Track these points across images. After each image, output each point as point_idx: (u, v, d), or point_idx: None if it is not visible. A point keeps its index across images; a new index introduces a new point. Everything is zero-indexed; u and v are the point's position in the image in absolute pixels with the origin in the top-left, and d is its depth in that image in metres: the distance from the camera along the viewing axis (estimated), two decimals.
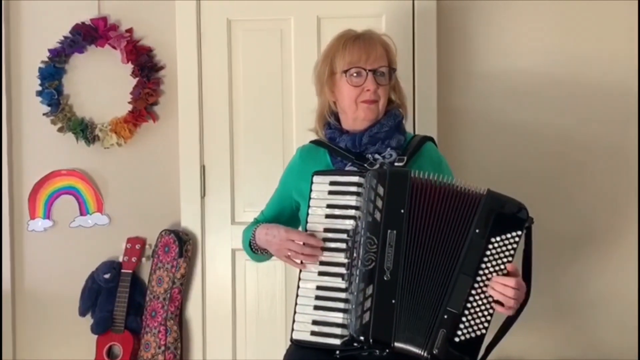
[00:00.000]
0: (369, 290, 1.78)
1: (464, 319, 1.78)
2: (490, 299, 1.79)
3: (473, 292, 1.79)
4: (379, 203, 1.82)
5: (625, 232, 2.83)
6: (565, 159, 2.83)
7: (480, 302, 1.79)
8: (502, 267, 1.80)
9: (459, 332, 1.78)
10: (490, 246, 1.79)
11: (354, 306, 1.80)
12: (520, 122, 2.82)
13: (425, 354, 1.78)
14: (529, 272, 1.89)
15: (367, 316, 1.77)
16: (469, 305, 1.79)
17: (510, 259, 1.80)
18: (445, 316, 1.78)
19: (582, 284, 2.84)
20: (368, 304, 1.77)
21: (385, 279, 1.79)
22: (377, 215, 1.81)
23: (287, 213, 2.19)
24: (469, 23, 2.84)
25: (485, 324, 1.79)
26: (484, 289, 1.79)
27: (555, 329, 2.84)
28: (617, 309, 2.82)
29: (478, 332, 1.79)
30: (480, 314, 1.79)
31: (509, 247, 1.79)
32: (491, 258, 1.79)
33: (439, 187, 1.84)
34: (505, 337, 1.95)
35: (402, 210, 1.81)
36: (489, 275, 1.79)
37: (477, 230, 1.79)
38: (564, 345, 2.85)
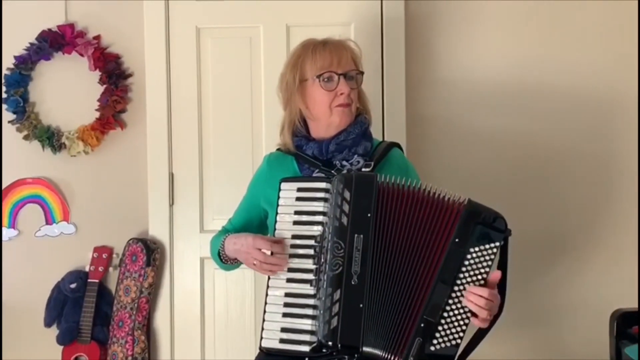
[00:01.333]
0: (337, 295, 1.77)
1: (440, 328, 1.78)
2: (467, 309, 1.79)
3: (450, 301, 1.78)
4: (346, 207, 1.81)
5: (599, 237, 2.86)
6: (534, 165, 2.86)
7: (456, 312, 1.79)
8: (479, 277, 1.80)
9: (435, 342, 1.77)
10: (469, 256, 1.79)
11: (322, 311, 1.79)
12: (488, 129, 2.85)
13: None
14: (503, 284, 1.88)
15: (335, 321, 1.76)
16: (445, 314, 1.78)
17: (487, 269, 1.80)
18: (422, 325, 1.77)
19: (552, 291, 2.86)
20: (336, 308, 1.76)
21: (352, 283, 1.78)
22: (344, 220, 1.81)
23: (255, 221, 2.18)
24: (437, 31, 2.86)
25: (461, 334, 1.79)
26: (461, 298, 1.79)
27: (524, 333, 2.85)
28: (587, 316, 2.84)
29: (453, 342, 1.78)
30: (456, 323, 1.79)
31: (487, 257, 1.79)
32: (469, 268, 1.79)
33: (408, 193, 1.84)
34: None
35: (369, 214, 1.81)
36: (466, 285, 1.79)
37: (456, 240, 1.79)
38: (533, 349, 2.87)
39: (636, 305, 2.56)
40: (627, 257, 2.84)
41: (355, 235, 1.80)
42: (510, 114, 2.84)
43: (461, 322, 1.79)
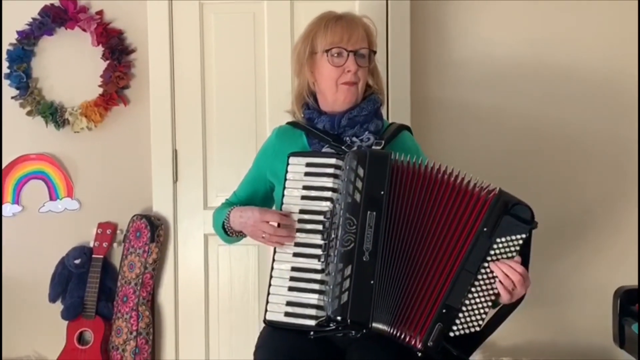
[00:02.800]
0: (348, 271, 1.76)
1: (460, 314, 1.77)
2: (488, 297, 1.79)
3: (472, 289, 1.78)
4: (359, 184, 1.80)
5: (604, 218, 2.86)
6: (543, 148, 2.85)
7: (478, 300, 1.78)
8: None
9: (455, 328, 1.77)
10: (495, 246, 1.78)
11: (331, 287, 1.78)
12: (494, 110, 2.83)
13: (419, 345, 1.78)
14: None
15: (345, 296, 1.75)
16: (467, 302, 1.78)
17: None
18: (444, 310, 1.77)
19: (556, 267, 2.87)
20: (346, 284, 1.76)
21: (364, 259, 1.78)
22: (357, 197, 1.80)
23: (260, 194, 2.17)
24: (444, 9, 2.84)
25: (480, 322, 1.79)
26: (484, 287, 1.79)
27: (526, 312, 2.81)
28: (590, 292, 2.85)
29: (472, 329, 1.78)
30: (476, 311, 1.78)
31: (512, 248, 1.79)
32: (494, 258, 1.78)
33: (424, 173, 1.83)
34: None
35: (382, 192, 1.81)
36: (490, 274, 1.79)
37: (484, 229, 1.78)
38: (535, 328, 2.88)
39: None
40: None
41: (368, 212, 1.79)
42: (519, 95, 2.83)
43: (481, 310, 1.79)
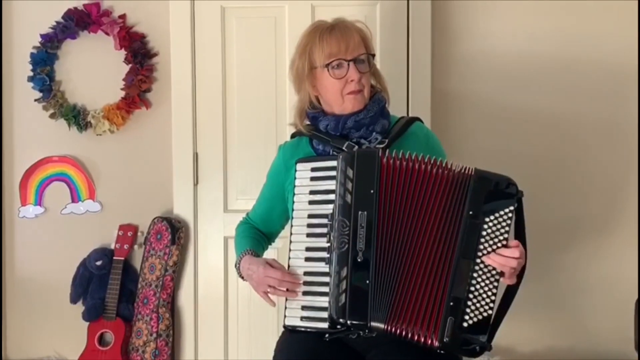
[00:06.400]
0: (344, 272, 1.78)
1: (469, 302, 1.76)
2: (492, 279, 1.78)
3: (475, 274, 1.77)
4: (349, 185, 1.82)
5: (622, 218, 2.83)
6: (560, 140, 2.83)
7: (483, 284, 1.77)
8: (499, 245, 1.78)
9: (467, 317, 1.76)
10: (486, 226, 1.77)
11: (331, 289, 1.80)
12: (515, 104, 2.82)
13: (436, 344, 1.76)
14: (523, 244, 1.85)
15: (343, 298, 1.77)
16: (472, 288, 1.77)
17: (506, 235, 1.78)
18: (451, 303, 1.76)
19: (575, 271, 2.85)
20: (343, 285, 1.77)
21: (358, 260, 1.79)
22: (348, 198, 1.81)
23: (277, 211, 2.18)
24: (464, 7, 2.82)
25: (491, 304, 1.77)
26: (485, 270, 1.78)
27: (545, 317, 2.85)
28: (610, 298, 2.83)
29: (485, 314, 1.77)
30: (484, 295, 1.77)
31: (504, 224, 1.78)
32: (487, 238, 1.78)
33: (412, 167, 1.83)
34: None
35: (372, 191, 1.81)
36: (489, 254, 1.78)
37: (470, 212, 1.78)
38: (554, 334, 2.87)
39: None
40: None
41: (360, 212, 1.80)
42: (538, 89, 2.81)
43: (489, 293, 1.78)
